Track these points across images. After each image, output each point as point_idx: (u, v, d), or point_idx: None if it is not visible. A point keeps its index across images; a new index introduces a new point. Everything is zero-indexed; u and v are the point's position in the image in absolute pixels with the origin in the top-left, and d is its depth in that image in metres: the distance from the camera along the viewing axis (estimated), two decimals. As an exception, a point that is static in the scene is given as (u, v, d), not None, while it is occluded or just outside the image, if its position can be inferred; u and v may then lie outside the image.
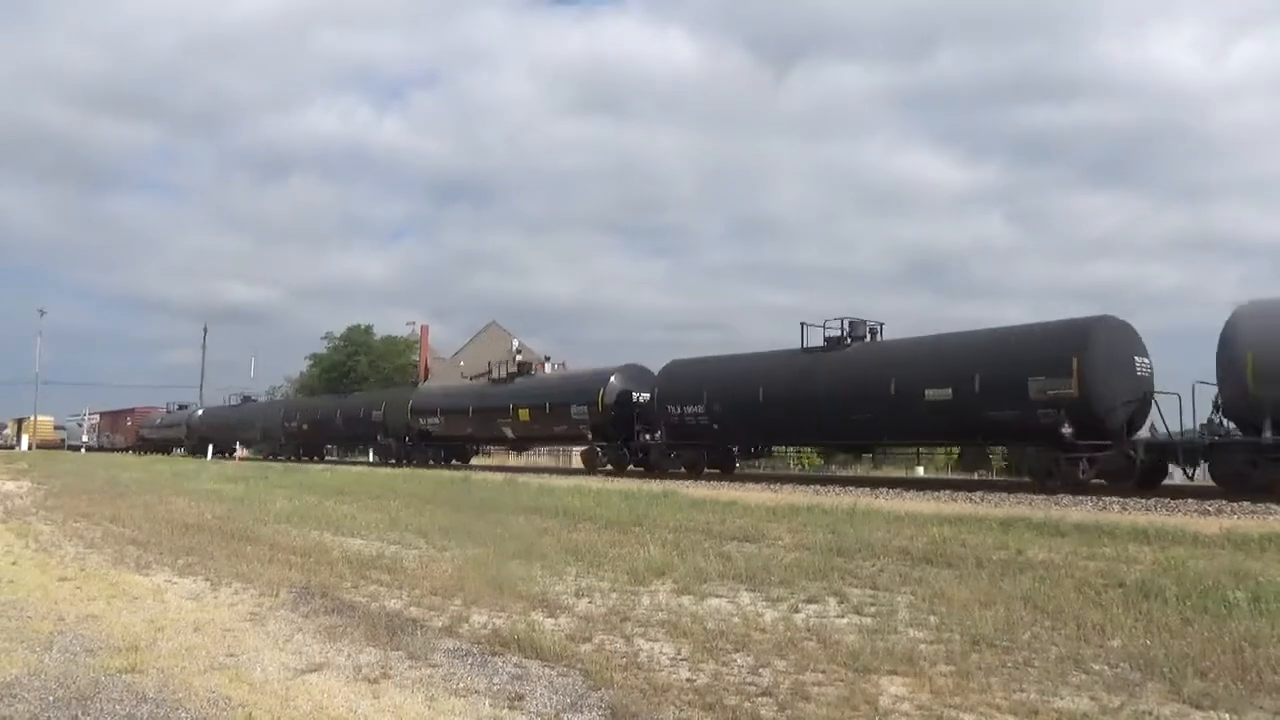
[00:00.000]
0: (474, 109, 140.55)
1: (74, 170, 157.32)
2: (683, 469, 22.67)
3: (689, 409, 22.08)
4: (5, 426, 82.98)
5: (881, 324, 20.84)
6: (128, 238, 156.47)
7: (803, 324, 20.58)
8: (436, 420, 31.65)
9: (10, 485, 20.95)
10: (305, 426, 40.37)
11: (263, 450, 43.93)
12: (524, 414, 27.58)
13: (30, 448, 64.73)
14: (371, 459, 38.35)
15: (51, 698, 4.28)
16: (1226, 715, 3.82)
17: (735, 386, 21.47)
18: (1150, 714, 3.85)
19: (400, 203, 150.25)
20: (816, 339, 20.51)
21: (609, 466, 24.48)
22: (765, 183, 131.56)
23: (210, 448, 48.23)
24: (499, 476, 21.84)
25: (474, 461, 33.52)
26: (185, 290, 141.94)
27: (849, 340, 20.11)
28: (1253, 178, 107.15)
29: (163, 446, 55.95)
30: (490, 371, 31.57)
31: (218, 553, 8.99)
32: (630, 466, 24.27)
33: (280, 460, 37.01)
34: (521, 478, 21.23)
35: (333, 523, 11.74)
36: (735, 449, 23.59)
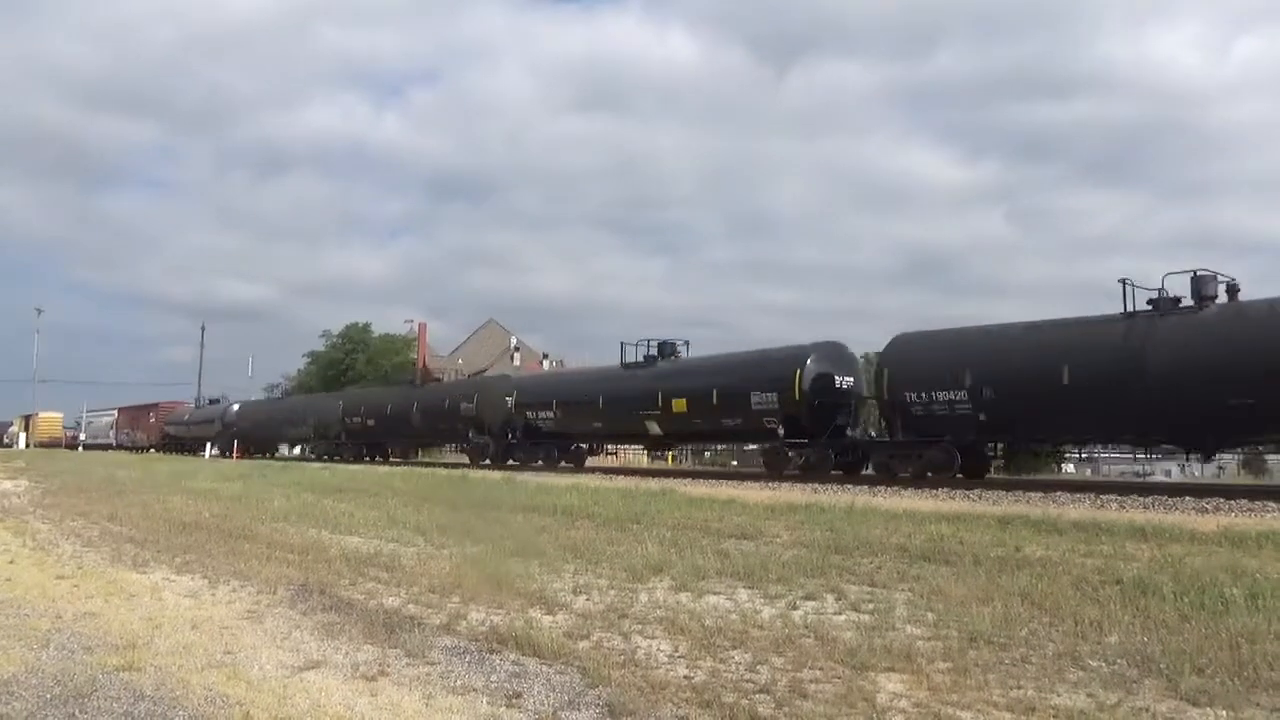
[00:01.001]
0: (474, 106, 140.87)
1: (72, 168, 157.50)
2: (928, 474, 17.57)
3: (940, 394, 17.48)
4: (11, 424, 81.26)
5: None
6: (126, 235, 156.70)
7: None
8: (550, 414, 26.54)
9: (7, 484, 20.92)
10: (371, 422, 34.69)
11: (317, 450, 38.63)
12: (679, 404, 22.40)
13: (28, 446, 64.54)
14: (452, 459, 33.63)
15: (49, 695, 4.28)
16: (1223, 712, 3.82)
17: (1021, 364, 16.77)
18: (1147, 710, 3.86)
19: (399, 200, 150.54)
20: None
21: (796, 470, 19.96)
22: (765, 180, 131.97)
23: (210, 446, 45.30)
24: (497, 474, 21.81)
25: (592, 463, 27.43)
26: (183, 288, 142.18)
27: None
28: (1253, 175, 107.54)
29: (190, 445, 50.74)
30: (623, 357, 25.30)
31: (215, 551, 8.99)
32: (834, 470, 19.53)
33: (340, 461, 32.66)
34: (520, 476, 21.19)
35: (330, 521, 11.74)
36: (1001, 445, 19.32)
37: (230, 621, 5.87)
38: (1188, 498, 13.08)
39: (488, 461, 27.75)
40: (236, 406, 48.09)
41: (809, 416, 19.86)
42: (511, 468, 25.40)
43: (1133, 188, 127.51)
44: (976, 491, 15.21)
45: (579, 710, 4.01)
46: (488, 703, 4.14)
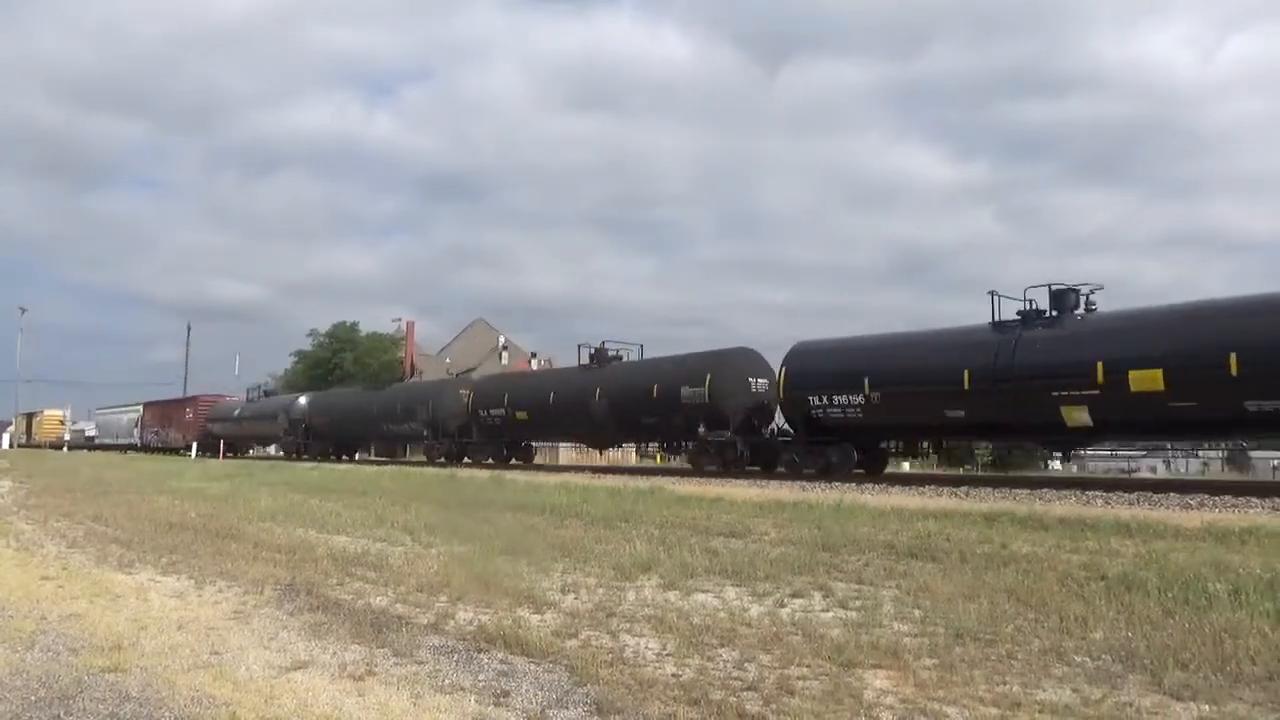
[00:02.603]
0: (466, 105, 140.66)
1: (62, 167, 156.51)
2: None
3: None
4: (11, 424, 77.36)
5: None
6: (115, 234, 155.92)
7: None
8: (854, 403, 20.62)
9: (-9, 484, 20.74)
10: (522, 415, 27.48)
11: (432, 451, 31.45)
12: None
13: (12, 446, 63.73)
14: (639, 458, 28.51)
15: (34, 697, 4.25)
16: (1207, 706, 3.86)
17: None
18: (1131, 705, 3.88)
19: (391, 199, 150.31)
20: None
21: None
22: (757, 179, 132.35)
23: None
24: (485, 473, 21.78)
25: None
26: (172, 287, 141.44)
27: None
28: (1243, 174, 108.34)
29: (241, 444, 45.06)
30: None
31: (202, 551, 8.94)
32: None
33: (480, 466, 26.92)
34: (509, 474, 21.16)
35: (318, 520, 11.69)
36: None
37: (217, 622, 5.84)
38: (1172, 494, 13.18)
39: (785, 470, 22.32)
40: (305, 399, 40.68)
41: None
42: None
43: (1123, 186, 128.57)
44: (964, 489, 15.29)
45: (567, 709, 4.01)
46: (476, 701, 4.13)
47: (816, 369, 19.47)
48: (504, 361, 55.58)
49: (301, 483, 19.54)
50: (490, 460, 28.63)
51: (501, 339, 62.25)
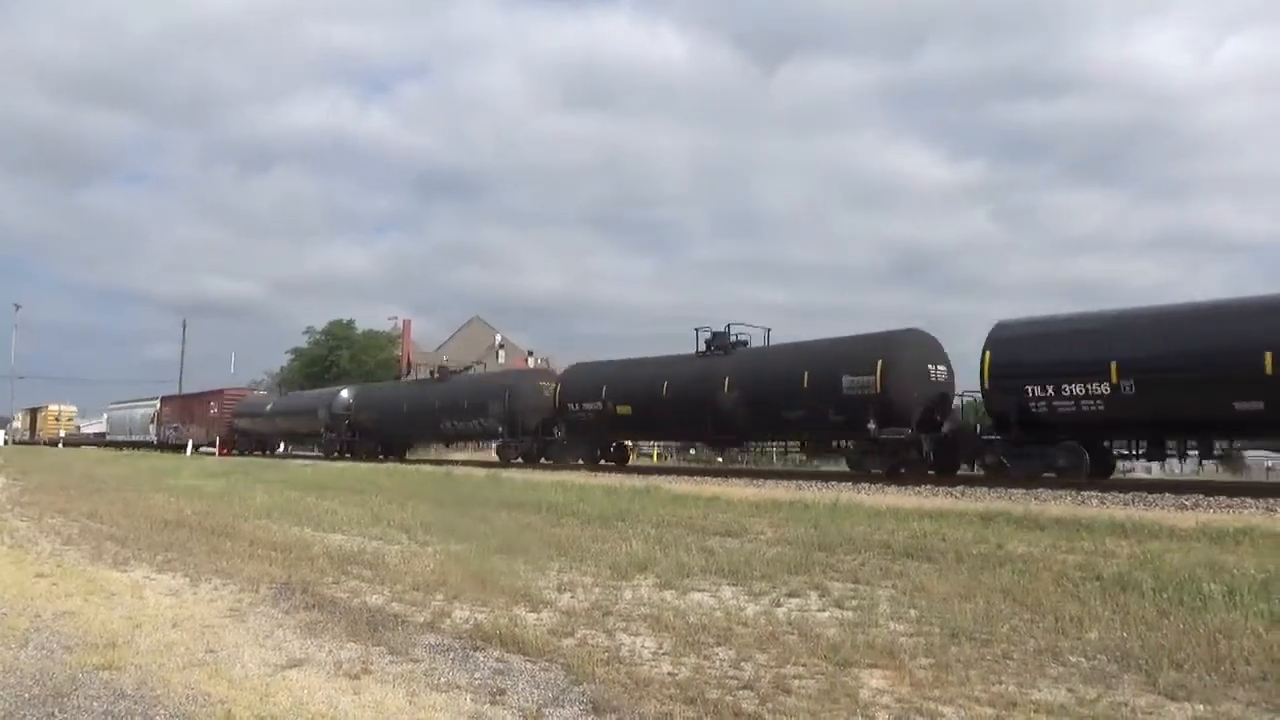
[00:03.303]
0: (463, 102, 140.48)
1: (55, 162, 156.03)
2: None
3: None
4: (14, 419, 75.68)
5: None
6: (110, 231, 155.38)
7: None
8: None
9: (-14, 481, 20.68)
10: (624, 409, 23.47)
11: (513, 447, 27.61)
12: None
13: (6, 443, 63.30)
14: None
15: (28, 695, 4.24)
16: (1201, 706, 3.86)
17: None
18: (1126, 705, 3.89)
19: (386, 196, 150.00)
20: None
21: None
22: (755, 179, 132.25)
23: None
24: (481, 472, 21.75)
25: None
26: (167, 284, 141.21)
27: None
28: (1237, 175, 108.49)
29: (273, 442, 41.69)
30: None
31: (197, 549, 8.93)
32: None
33: (570, 468, 23.37)
34: (505, 473, 21.13)
35: (314, 518, 11.68)
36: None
37: (212, 620, 5.83)
38: (1167, 494, 13.22)
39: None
40: (347, 392, 37.01)
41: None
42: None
43: (1118, 187, 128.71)
44: (959, 488, 15.31)
45: (563, 707, 4.01)
46: (472, 700, 4.13)
47: (1036, 352, 16.39)
48: (500, 360, 55.60)
49: (297, 480, 19.52)
50: (579, 461, 24.62)
51: (498, 337, 62.28)
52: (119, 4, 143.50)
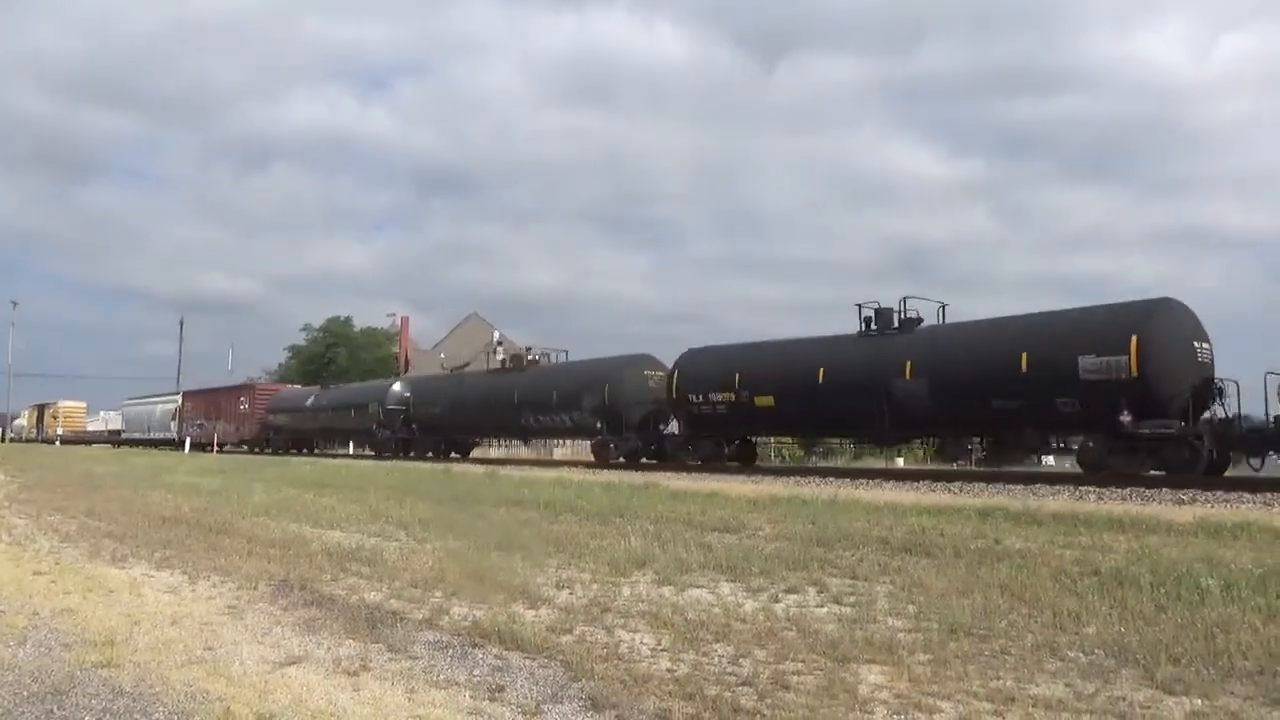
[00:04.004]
0: (461, 100, 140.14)
1: (52, 159, 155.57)
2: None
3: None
4: (19, 416, 73.31)
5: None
6: (107, 228, 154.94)
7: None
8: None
9: (-17, 479, 20.65)
10: (764, 400, 20.19)
11: (615, 445, 24.32)
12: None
13: (4, 440, 63.05)
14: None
15: (26, 692, 4.23)
16: (1199, 701, 3.87)
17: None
18: (1124, 700, 3.90)
19: (384, 194, 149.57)
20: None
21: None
22: (752, 176, 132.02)
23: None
24: (479, 468, 21.76)
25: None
26: (165, 281, 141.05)
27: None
28: (1235, 172, 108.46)
29: (315, 441, 38.73)
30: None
31: (195, 546, 8.92)
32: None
33: (687, 469, 20.81)
34: (503, 469, 21.15)
35: (312, 515, 11.67)
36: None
37: (210, 617, 5.83)
38: (1165, 489, 13.24)
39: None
40: (399, 384, 33.71)
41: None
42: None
43: (1117, 184, 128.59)
44: (958, 484, 15.33)
45: (562, 704, 4.02)
46: (470, 696, 4.13)
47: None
48: (499, 357, 55.53)
49: (296, 478, 19.51)
50: (699, 461, 21.73)
51: (496, 334, 62.19)
52: (118, 2, 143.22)
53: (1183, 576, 6.15)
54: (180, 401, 49.64)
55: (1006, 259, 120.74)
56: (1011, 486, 14.47)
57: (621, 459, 23.60)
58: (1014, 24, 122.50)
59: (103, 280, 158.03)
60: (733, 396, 20.83)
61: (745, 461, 22.45)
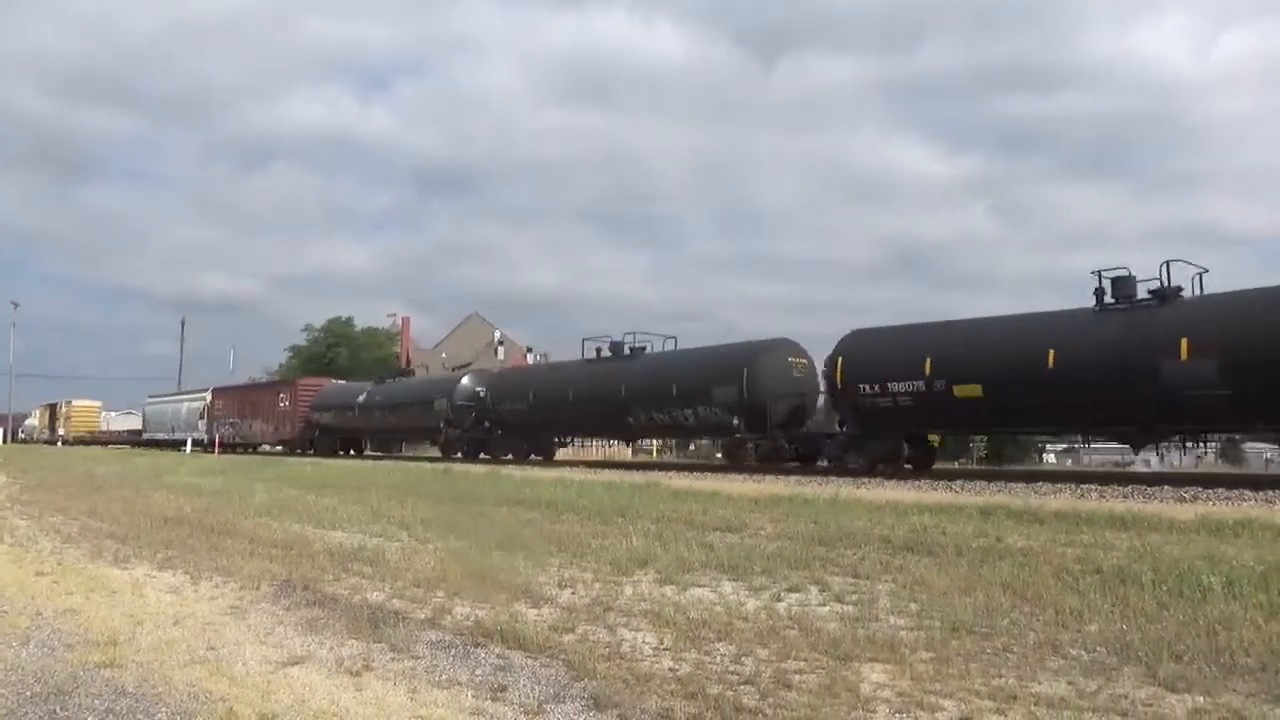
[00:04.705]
0: (461, 99, 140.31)
1: (51, 159, 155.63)
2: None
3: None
4: (29, 417, 71.78)
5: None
6: (107, 228, 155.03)
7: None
8: None
9: (-15, 480, 20.66)
10: (968, 390, 16.65)
11: (756, 447, 21.31)
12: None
13: (4, 440, 62.90)
14: None
15: (29, 693, 4.24)
16: (1201, 698, 3.87)
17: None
18: (1126, 697, 3.90)
19: (384, 193, 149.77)
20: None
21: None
22: (752, 174, 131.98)
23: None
24: (481, 468, 21.76)
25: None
26: (165, 281, 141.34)
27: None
28: (1235, 169, 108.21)
29: (358, 439, 35.85)
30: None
31: (198, 546, 8.93)
32: None
33: (878, 476, 17.03)
34: (504, 469, 21.16)
35: (314, 516, 11.67)
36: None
37: (213, 617, 5.83)
38: (1166, 487, 13.22)
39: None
40: (469, 378, 30.29)
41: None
42: None
43: (1117, 181, 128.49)
44: (959, 482, 15.31)
45: (564, 703, 4.02)
46: (473, 696, 4.14)
47: None
48: (499, 356, 55.62)
49: (297, 478, 19.52)
50: (869, 465, 18.02)
51: (497, 334, 62.27)
52: (118, 2, 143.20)
53: (1185, 574, 6.14)
54: (209, 399, 46.09)
55: (1007, 257, 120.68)
56: (1013, 485, 14.45)
57: (758, 459, 20.50)
58: (1014, 21, 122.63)
59: (103, 280, 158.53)
60: (922, 386, 17.25)
61: (924, 466, 18.91)
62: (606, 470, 20.48)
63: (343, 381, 40.60)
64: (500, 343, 60.26)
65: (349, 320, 62.69)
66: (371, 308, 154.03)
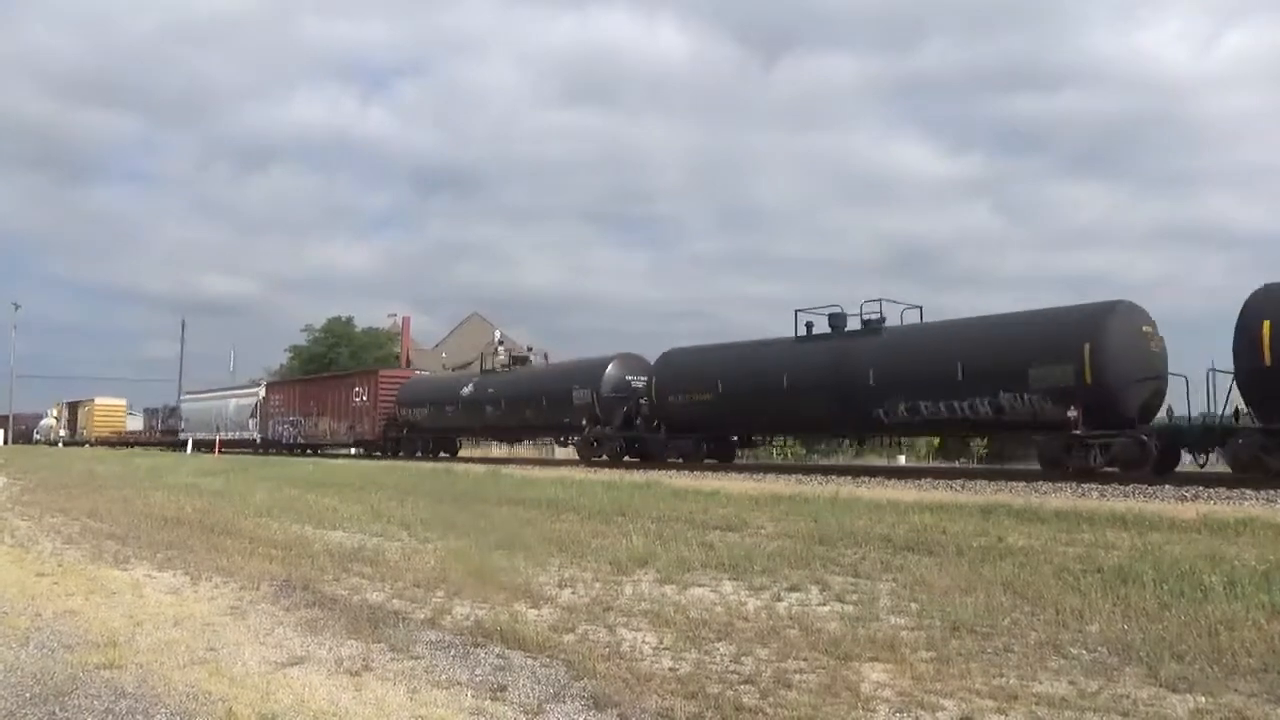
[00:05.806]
0: (460, 98, 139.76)
1: (50, 160, 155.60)
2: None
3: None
4: (45, 416, 69.41)
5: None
6: (106, 229, 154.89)
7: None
8: None
9: (-14, 480, 20.67)
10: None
11: (1105, 448, 14.57)
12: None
13: (6, 442, 62.83)
14: None
15: (29, 694, 4.24)
16: (1202, 698, 3.86)
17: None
18: (1127, 697, 3.89)
19: (383, 193, 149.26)
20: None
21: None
22: (753, 173, 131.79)
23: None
24: (481, 468, 21.76)
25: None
26: (164, 282, 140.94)
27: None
28: (1237, 168, 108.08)
29: (446, 441, 30.76)
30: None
31: (197, 546, 8.92)
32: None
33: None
34: (505, 468, 21.16)
35: (314, 516, 11.67)
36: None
37: (213, 618, 5.83)
38: (1167, 486, 13.20)
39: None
40: (615, 365, 24.38)
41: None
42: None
43: (1118, 180, 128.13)
44: (960, 481, 15.31)
45: (564, 703, 4.01)
46: (473, 696, 4.13)
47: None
48: (500, 356, 55.55)
49: (297, 478, 19.52)
50: None
51: (497, 333, 62.21)
52: (117, 2, 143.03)
53: (1186, 573, 6.14)
54: (263, 393, 40.58)
55: (1009, 255, 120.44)
56: (1014, 484, 14.44)
57: (1109, 466, 14.94)
58: (1014, 20, 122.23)
59: (103, 280, 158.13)
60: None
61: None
62: (605, 469, 20.47)
63: (429, 372, 36.21)
64: (501, 342, 60.29)
65: (349, 320, 62.65)
66: (371, 308, 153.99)
